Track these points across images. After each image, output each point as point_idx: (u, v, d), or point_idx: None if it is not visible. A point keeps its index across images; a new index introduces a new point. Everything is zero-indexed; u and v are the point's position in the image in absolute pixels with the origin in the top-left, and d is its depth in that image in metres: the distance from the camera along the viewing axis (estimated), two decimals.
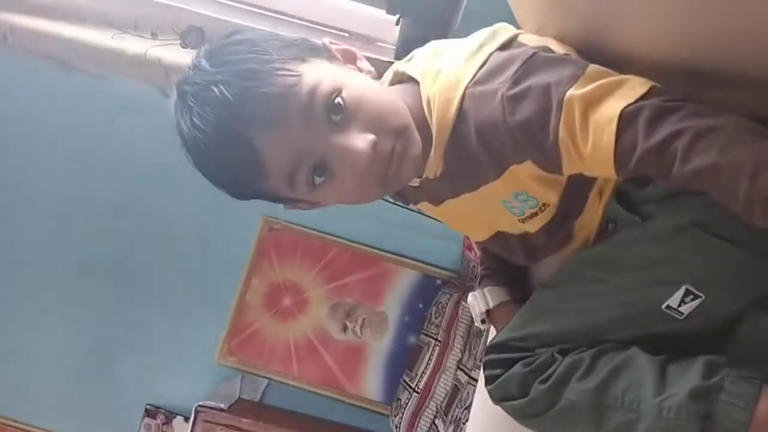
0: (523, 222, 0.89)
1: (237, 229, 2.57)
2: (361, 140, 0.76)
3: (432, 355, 2.31)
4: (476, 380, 1.76)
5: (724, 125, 0.66)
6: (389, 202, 2.39)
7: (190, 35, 1.51)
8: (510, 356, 0.86)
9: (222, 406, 2.26)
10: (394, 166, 0.79)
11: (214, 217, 2.56)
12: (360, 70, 0.85)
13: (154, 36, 1.51)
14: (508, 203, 0.86)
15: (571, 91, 0.71)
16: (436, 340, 2.33)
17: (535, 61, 0.77)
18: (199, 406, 2.24)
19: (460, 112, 0.78)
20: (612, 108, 0.69)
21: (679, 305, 0.78)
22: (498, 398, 0.87)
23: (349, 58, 0.85)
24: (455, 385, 2.12)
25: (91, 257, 2.58)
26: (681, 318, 0.78)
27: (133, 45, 1.51)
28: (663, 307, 0.78)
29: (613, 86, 0.72)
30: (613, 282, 0.82)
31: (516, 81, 0.75)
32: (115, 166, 2.55)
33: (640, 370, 0.78)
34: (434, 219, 1.06)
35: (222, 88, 0.74)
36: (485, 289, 1.02)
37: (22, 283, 2.58)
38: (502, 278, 1.03)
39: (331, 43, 0.85)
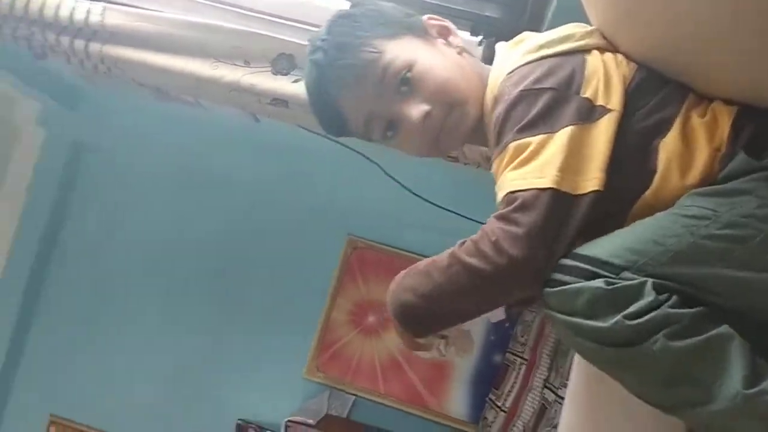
0: None
1: (323, 248, 2.64)
2: (416, 110, 0.95)
3: (518, 373, 2.29)
4: (563, 399, 1.74)
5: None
6: (472, 220, 2.40)
7: (281, 62, 1.57)
8: (590, 269, 0.77)
9: (310, 421, 2.30)
10: (444, 133, 0.97)
11: (301, 238, 2.64)
12: (449, 44, 1.01)
13: (247, 64, 1.58)
14: None
15: (514, 143, 0.84)
16: (522, 358, 2.31)
17: (538, 94, 0.85)
18: (289, 421, 2.29)
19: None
20: (509, 182, 0.83)
21: None
22: (555, 307, 0.79)
23: (443, 33, 1.02)
24: (542, 404, 2.10)
25: (187, 277, 2.70)
26: None
27: (228, 73, 1.58)
28: None
29: (529, 163, 0.82)
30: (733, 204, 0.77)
31: (512, 101, 0.86)
32: (208, 190, 2.67)
33: (732, 354, 0.73)
34: None
35: (320, 54, 0.98)
36: None
37: (124, 302, 2.73)
38: None
39: (429, 18, 1.03)
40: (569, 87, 0.86)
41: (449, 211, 2.30)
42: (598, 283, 0.75)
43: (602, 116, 0.84)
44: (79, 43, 1.63)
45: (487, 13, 1.52)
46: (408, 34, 0.97)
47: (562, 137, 0.82)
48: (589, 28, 0.96)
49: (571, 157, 0.81)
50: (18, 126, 2.67)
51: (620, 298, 0.74)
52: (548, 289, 0.80)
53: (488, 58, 1.53)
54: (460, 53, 1.01)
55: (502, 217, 0.81)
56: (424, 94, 0.95)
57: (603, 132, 0.83)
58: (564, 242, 0.80)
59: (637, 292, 0.74)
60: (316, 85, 1.00)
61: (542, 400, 2.11)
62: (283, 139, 2.24)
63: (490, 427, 2.33)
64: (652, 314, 0.73)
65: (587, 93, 0.85)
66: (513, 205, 0.81)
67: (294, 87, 1.55)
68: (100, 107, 2.55)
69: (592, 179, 0.81)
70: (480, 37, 1.54)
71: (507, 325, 2.52)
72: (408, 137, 0.98)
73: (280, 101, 1.58)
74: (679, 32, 0.84)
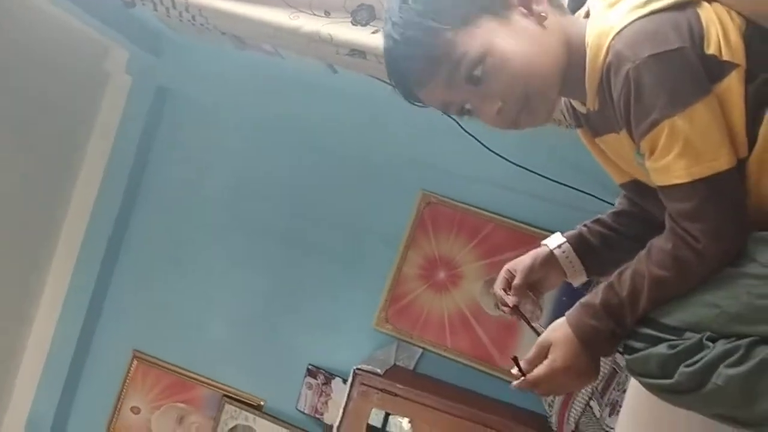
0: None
1: (396, 202, 2.65)
2: (489, 107, 0.94)
3: None
4: None
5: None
6: (548, 179, 2.33)
7: (361, 13, 1.56)
8: (657, 335, 0.86)
9: (378, 371, 2.34)
10: (522, 118, 0.95)
11: (375, 191, 2.66)
12: (530, 13, 0.93)
13: (327, 14, 1.58)
14: (638, 157, 0.90)
15: (670, 120, 0.80)
16: None
17: (673, 58, 0.81)
18: (357, 369, 2.33)
19: (606, 59, 0.86)
20: (684, 170, 0.81)
21: None
22: (635, 372, 0.89)
23: (525, 1, 0.94)
24: (613, 367, 2.07)
25: (263, 223, 2.77)
26: None
27: (307, 23, 1.59)
28: None
29: (698, 144, 0.80)
30: None
31: (644, 66, 0.81)
32: (286, 137, 2.72)
33: None
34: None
35: (391, 43, 0.95)
36: (560, 234, 1.15)
37: (203, 244, 2.83)
38: (585, 242, 1.13)
39: None
40: (693, 42, 0.82)
41: (524, 168, 2.27)
42: (662, 348, 0.84)
43: (730, 72, 0.82)
44: None
45: None
46: (483, 15, 0.91)
47: (708, 106, 0.81)
48: None
49: (722, 126, 0.81)
50: (108, 73, 2.77)
51: (683, 355, 0.82)
52: (626, 356, 0.89)
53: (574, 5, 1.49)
54: (542, 22, 0.93)
55: (691, 216, 0.82)
56: (497, 89, 0.92)
57: (735, 89, 0.82)
58: (745, 209, 0.83)
59: (697, 347, 0.82)
60: (391, 71, 0.99)
61: (613, 363, 2.08)
62: (360, 90, 2.24)
63: None
64: (709, 354, 0.80)
65: (711, 48, 0.82)
66: (699, 197, 0.81)
67: (372, 38, 1.55)
68: (184, 55, 2.61)
69: (742, 143, 0.82)
70: None
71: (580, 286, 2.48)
72: (485, 120, 0.98)
73: (358, 52, 1.58)
74: None
